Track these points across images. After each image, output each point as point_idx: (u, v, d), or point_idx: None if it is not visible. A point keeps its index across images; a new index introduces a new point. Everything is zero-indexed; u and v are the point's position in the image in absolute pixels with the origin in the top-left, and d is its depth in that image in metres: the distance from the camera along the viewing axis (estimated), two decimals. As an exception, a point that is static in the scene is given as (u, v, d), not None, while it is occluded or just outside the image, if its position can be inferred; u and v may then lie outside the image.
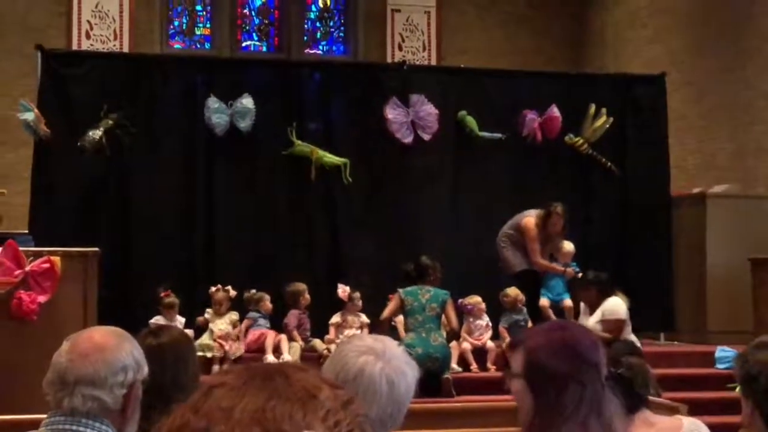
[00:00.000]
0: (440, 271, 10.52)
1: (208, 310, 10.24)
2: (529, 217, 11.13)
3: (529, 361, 2.84)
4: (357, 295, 10.60)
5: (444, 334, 10.05)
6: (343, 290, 10.68)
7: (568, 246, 11.18)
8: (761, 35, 13.00)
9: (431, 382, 9.44)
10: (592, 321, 9.92)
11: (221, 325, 10.14)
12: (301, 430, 1.20)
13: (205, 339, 9.94)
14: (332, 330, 10.43)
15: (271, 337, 10.13)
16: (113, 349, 3.01)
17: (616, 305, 10.06)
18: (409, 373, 2.72)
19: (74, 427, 2.94)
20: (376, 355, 2.67)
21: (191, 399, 1.27)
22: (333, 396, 1.27)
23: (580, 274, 10.88)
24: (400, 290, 10.13)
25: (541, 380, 2.79)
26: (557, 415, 2.71)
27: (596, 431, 2.68)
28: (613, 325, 9.79)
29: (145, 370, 3.07)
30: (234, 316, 10.28)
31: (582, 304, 10.64)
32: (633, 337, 9.92)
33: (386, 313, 10.15)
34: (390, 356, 2.69)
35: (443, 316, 10.08)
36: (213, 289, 10.34)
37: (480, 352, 10.50)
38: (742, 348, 3.66)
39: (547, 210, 11.01)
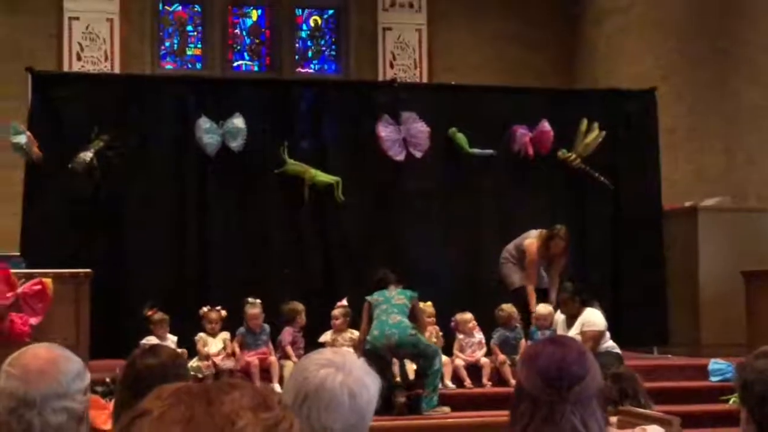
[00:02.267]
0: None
1: (201, 334, 10.20)
2: (532, 240, 11.22)
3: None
4: (336, 312, 10.53)
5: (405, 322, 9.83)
6: (341, 304, 10.69)
7: (543, 309, 10.94)
8: (751, 47, 13.04)
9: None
10: (572, 332, 9.93)
11: (215, 345, 10.12)
12: None
13: (194, 362, 9.89)
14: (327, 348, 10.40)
15: (255, 365, 10.09)
16: (65, 360, 3.08)
17: (596, 316, 10.12)
18: (371, 383, 2.74)
19: None
20: (336, 367, 2.69)
21: (117, 429, 1.26)
22: (254, 421, 1.24)
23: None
24: (368, 297, 10.12)
25: (514, 389, 2.89)
26: (515, 423, 2.77)
27: None
28: (591, 336, 9.82)
29: (88, 376, 3.15)
30: (225, 335, 10.26)
31: (559, 316, 10.56)
32: (611, 343, 10.00)
33: (362, 331, 10.10)
34: (350, 368, 2.72)
35: (415, 317, 10.01)
36: (205, 309, 10.31)
37: (474, 369, 10.50)
38: (735, 360, 3.69)
39: (550, 232, 11.13)
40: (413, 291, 10.14)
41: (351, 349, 9.49)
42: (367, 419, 2.73)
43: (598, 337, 9.89)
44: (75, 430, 3.03)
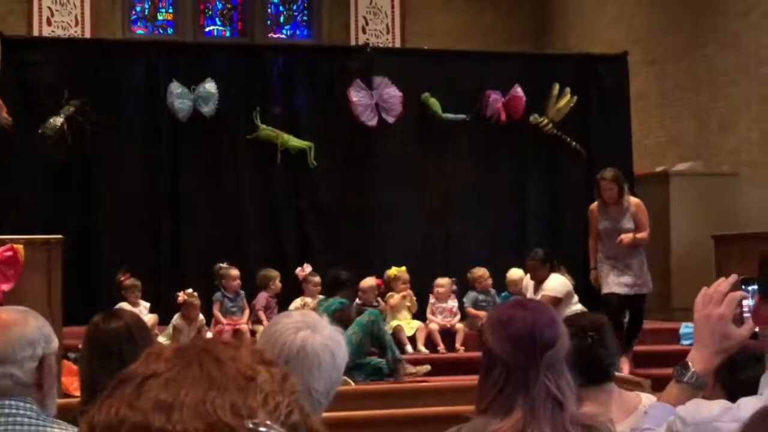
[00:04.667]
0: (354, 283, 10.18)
1: (179, 321, 10.00)
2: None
3: (483, 332, 2.92)
4: (317, 279, 10.54)
5: None
6: (302, 269, 10.70)
7: (515, 273, 10.82)
8: (723, 13, 13.04)
9: None
10: (536, 298, 9.94)
11: (187, 336, 10.03)
12: (243, 419, 1.17)
13: (164, 340, 9.74)
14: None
15: (228, 335, 10.06)
16: (19, 325, 3.05)
17: (556, 282, 10.11)
18: (340, 339, 2.82)
19: None
20: (311, 328, 2.74)
21: (123, 392, 1.21)
22: (270, 377, 1.23)
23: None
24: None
25: (482, 353, 2.89)
26: (488, 390, 2.77)
27: (519, 414, 2.71)
28: (547, 301, 9.78)
29: (55, 344, 3.12)
30: (202, 320, 10.11)
31: (528, 281, 10.53)
32: (580, 307, 10.02)
33: None
34: (322, 327, 2.77)
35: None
36: (185, 296, 9.99)
37: (449, 334, 10.55)
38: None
39: (596, 179, 10.27)
40: (340, 301, 9.76)
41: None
42: (341, 375, 2.80)
43: (554, 303, 9.86)
44: (24, 397, 3.00)
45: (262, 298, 10.52)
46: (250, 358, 1.25)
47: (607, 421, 2.99)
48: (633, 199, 10.28)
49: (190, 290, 10.03)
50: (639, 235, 9.91)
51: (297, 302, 10.43)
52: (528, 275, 10.54)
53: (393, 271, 10.77)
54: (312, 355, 2.68)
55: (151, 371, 1.22)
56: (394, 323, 10.39)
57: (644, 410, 3.93)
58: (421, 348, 10.33)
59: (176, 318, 9.96)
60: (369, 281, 10.41)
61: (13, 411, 2.96)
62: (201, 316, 10.12)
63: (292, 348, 2.68)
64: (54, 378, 3.11)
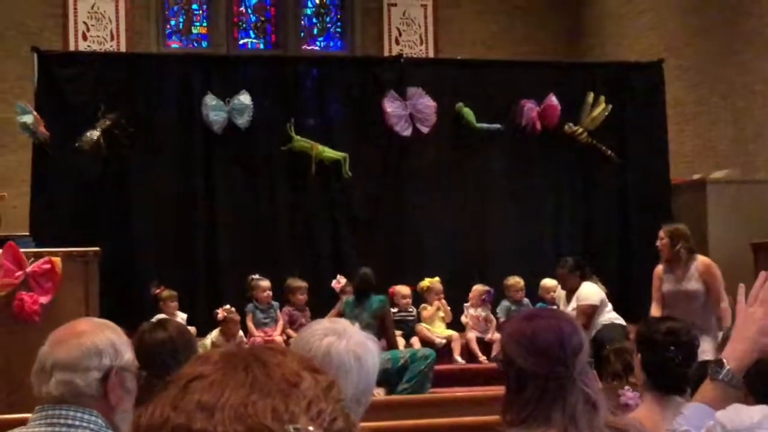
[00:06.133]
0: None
1: (217, 337, 9.93)
2: None
3: (501, 349, 2.91)
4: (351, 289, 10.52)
5: None
6: (337, 282, 10.68)
7: (549, 282, 10.76)
8: (759, 19, 12.97)
9: None
10: (570, 307, 9.87)
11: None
12: (284, 424, 1.17)
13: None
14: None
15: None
16: (90, 334, 3.02)
17: (591, 291, 9.99)
18: (372, 346, 2.80)
19: (55, 411, 2.95)
20: (337, 334, 2.74)
21: (168, 393, 1.23)
22: (314, 383, 1.23)
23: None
24: (344, 301, 10.14)
25: (508, 370, 2.83)
26: (522, 405, 2.73)
27: (560, 423, 2.69)
28: (583, 310, 9.72)
29: (125, 358, 3.04)
30: (241, 336, 10.10)
31: (560, 291, 10.36)
32: (614, 314, 9.91)
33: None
34: (350, 333, 2.77)
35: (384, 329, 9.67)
36: (224, 313, 9.97)
37: (480, 342, 10.54)
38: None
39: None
40: (381, 298, 9.91)
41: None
42: (373, 382, 2.78)
43: (590, 311, 9.77)
44: (90, 410, 2.95)
45: (284, 314, 10.50)
46: (297, 365, 1.26)
47: (637, 424, 2.98)
48: (703, 259, 9.19)
49: (228, 306, 10.03)
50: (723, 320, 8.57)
51: (333, 313, 10.41)
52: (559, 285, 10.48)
53: (426, 282, 10.76)
54: (337, 361, 2.67)
55: (197, 373, 1.24)
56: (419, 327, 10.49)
57: None
58: (457, 358, 10.31)
59: (215, 334, 9.95)
60: (405, 289, 10.47)
61: (77, 423, 2.93)
62: (240, 332, 10.09)
63: (317, 354, 2.68)
64: (124, 393, 3.02)
